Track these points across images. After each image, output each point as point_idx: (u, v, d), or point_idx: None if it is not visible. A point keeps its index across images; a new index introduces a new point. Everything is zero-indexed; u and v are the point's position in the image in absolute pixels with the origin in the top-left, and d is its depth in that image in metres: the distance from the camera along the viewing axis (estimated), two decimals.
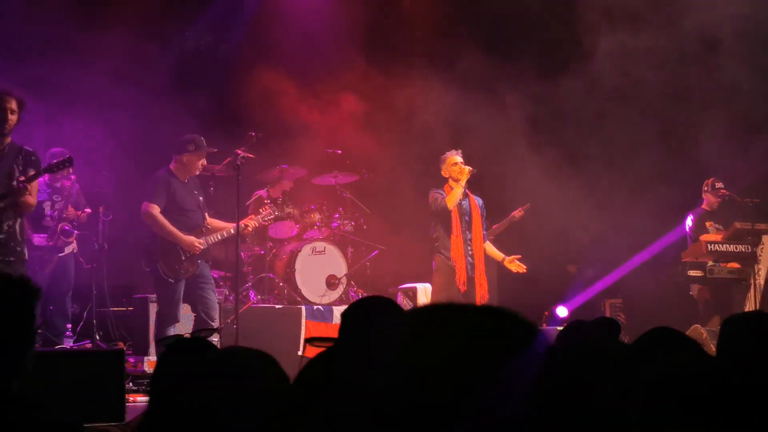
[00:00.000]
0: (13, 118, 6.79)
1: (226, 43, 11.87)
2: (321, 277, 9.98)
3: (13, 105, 6.77)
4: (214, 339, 8.59)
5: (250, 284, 10.03)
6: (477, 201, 9.08)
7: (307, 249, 10.01)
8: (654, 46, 10.65)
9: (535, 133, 11.08)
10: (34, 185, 6.93)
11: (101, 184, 9.63)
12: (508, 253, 9.24)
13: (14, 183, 6.71)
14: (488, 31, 11.72)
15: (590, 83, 10.62)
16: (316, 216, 10.53)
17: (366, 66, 11.56)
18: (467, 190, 8.96)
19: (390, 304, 3.66)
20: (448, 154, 8.94)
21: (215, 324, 8.08)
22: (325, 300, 9.91)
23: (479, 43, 11.40)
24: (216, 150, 8.54)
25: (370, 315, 3.52)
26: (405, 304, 10.31)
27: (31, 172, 6.85)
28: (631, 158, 10.98)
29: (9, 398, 2.59)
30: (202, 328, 7.36)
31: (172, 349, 3.53)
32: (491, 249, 9.21)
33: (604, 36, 10.62)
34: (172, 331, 7.87)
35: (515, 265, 9.06)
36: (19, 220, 6.87)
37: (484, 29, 11.76)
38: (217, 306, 8.23)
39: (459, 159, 8.88)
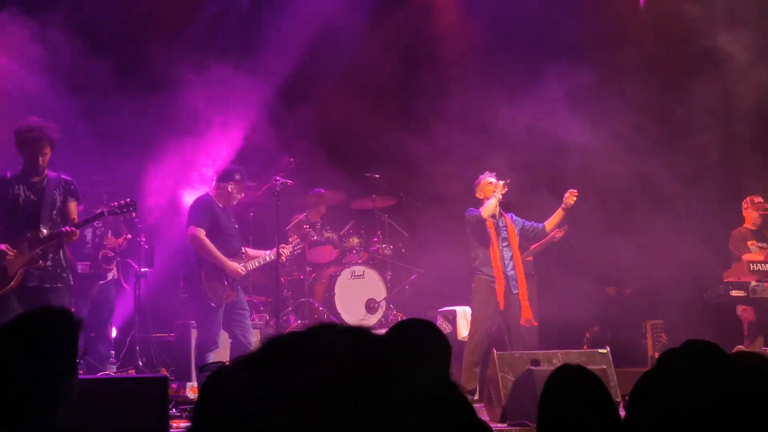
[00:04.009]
0: (46, 157, 7.01)
1: (262, 71, 11.97)
2: (360, 301, 10.01)
3: (46, 149, 6.99)
4: None
5: (290, 309, 10.08)
6: (511, 218, 9.10)
7: (346, 273, 10.05)
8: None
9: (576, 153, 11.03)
10: (76, 216, 7.09)
11: (140, 213, 9.72)
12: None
13: (64, 228, 6.89)
14: (524, 49, 11.75)
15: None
16: (355, 240, 10.58)
17: (403, 90, 11.63)
18: (502, 211, 8.97)
19: (430, 328, 3.64)
20: (481, 177, 9.05)
21: (252, 349, 8.11)
22: (365, 324, 9.92)
23: (518, 62, 11.45)
24: (254, 184, 8.64)
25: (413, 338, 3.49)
26: (444, 327, 10.28)
27: (72, 201, 7.04)
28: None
29: (55, 428, 2.63)
30: (243, 355, 7.39)
31: (216, 375, 3.55)
32: (551, 221, 9.26)
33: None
34: (212, 356, 7.92)
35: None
36: (62, 248, 7.04)
37: (520, 48, 11.80)
38: (252, 331, 8.28)
39: (492, 179, 8.94)
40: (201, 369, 7.38)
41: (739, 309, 9.70)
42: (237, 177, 8.24)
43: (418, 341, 3.46)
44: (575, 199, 9.31)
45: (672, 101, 11.00)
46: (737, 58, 10.20)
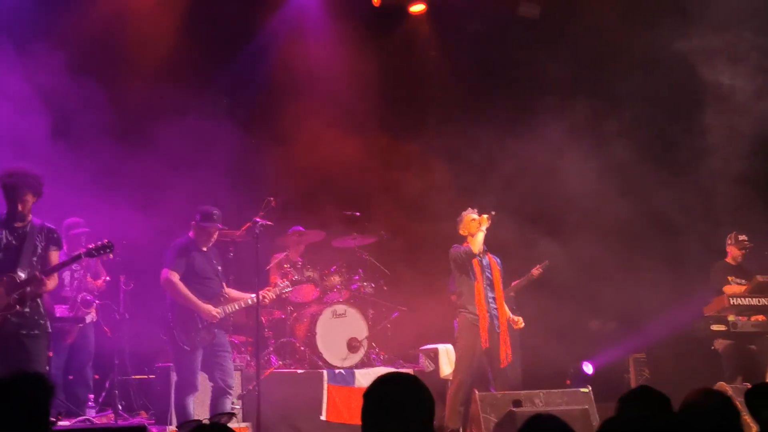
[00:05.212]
0: (27, 204, 6.94)
1: (242, 106, 11.98)
2: (342, 340, 9.95)
3: (27, 196, 6.93)
4: (236, 406, 8.59)
5: (271, 349, 10.02)
6: (495, 259, 9.09)
7: (327, 312, 10.00)
8: None
9: (545, 192, 11.09)
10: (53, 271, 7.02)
11: (120, 253, 9.65)
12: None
13: (36, 273, 6.82)
14: (511, 85, 11.84)
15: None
16: (336, 279, 10.54)
17: (381, 128, 11.68)
18: (486, 249, 8.96)
19: (412, 383, 3.53)
20: (464, 213, 9.04)
21: (232, 392, 8.06)
22: (347, 363, 9.88)
23: (504, 99, 11.54)
24: (225, 228, 8.62)
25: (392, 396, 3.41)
26: (426, 365, 10.26)
27: (54, 250, 6.99)
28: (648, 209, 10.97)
29: None
30: (221, 413, 7.33)
31: None
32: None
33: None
34: (192, 400, 7.85)
35: (517, 325, 9.00)
36: (40, 294, 6.96)
37: (506, 84, 11.90)
38: (233, 374, 8.21)
39: (475, 215, 8.94)
40: (179, 427, 7.32)
41: (718, 343, 9.71)
42: (206, 218, 8.22)
43: (401, 398, 3.39)
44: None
45: (660, 140, 11.09)
46: (735, 93, 10.27)
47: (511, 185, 11.00)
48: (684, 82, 10.88)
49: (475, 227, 8.89)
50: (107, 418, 9.30)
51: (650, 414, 3.09)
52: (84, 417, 8.99)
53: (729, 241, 10.05)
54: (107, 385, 9.79)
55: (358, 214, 10.86)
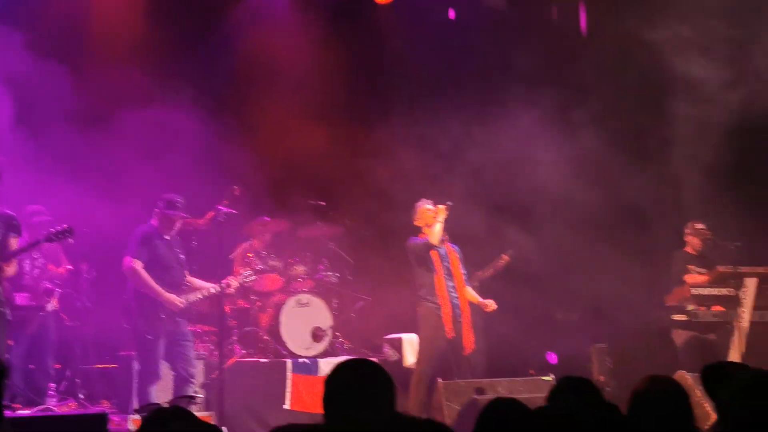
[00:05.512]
0: None
1: (207, 94, 11.89)
2: (306, 330, 9.95)
3: None
4: (200, 395, 8.55)
5: (235, 338, 9.98)
6: (453, 247, 9.11)
7: (291, 302, 9.98)
8: None
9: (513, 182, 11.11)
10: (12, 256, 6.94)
11: (82, 241, 9.55)
12: (494, 299, 9.21)
13: None
14: (479, 83, 11.86)
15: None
16: (301, 268, 10.51)
17: (346, 116, 11.64)
18: (443, 239, 8.97)
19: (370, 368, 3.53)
20: (418, 204, 9.02)
21: (194, 381, 8.04)
22: (311, 352, 9.87)
23: (469, 88, 11.55)
24: (189, 217, 8.57)
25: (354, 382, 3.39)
26: (390, 354, 10.27)
27: (13, 236, 6.91)
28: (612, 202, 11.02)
29: None
30: (181, 396, 7.31)
31: (150, 419, 3.50)
32: (470, 293, 9.18)
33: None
34: (154, 389, 7.81)
35: (489, 307, 9.04)
36: None
37: (473, 80, 11.92)
38: (196, 363, 8.18)
39: (430, 206, 8.93)
40: (137, 411, 7.29)
41: (674, 334, 9.78)
42: (169, 206, 8.16)
43: (360, 383, 3.37)
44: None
45: (629, 129, 11.13)
46: (704, 83, 10.32)
47: (480, 174, 11.00)
48: (654, 71, 10.93)
49: (431, 218, 8.87)
50: (68, 407, 9.21)
51: (581, 404, 3.12)
52: (44, 406, 8.90)
53: (687, 231, 10.11)
54: (69, 374, 9.70)
55: (323, 203, 10.83)
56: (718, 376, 3.12)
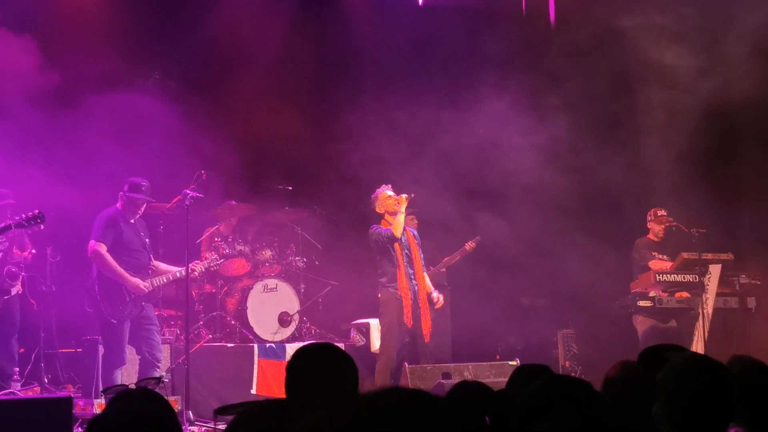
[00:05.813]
0: None
1: (176, 78, 11.80)
2: (273, 315, 9.93)
3: None
4: (166, 379, 8.52)
5: (201, 323, 9.94)
6: (413, 233, 9.11)
7: (258, 286, 9.96)
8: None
9: (483, 167, 11.12)
10: None
11: (47, 225, 9.48)
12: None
13: None
14: (444, 69, 11.85)
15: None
16: (268, 253, 10.49)
17: (315, 101, 11.61)
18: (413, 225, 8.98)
19: (332, 351, 3.54)
20: (378, 191, 8.98)
21: (160, 365, 8.01)
22: (278, 337, 9.86)
23: (435, 77, 11.54)
24: (155, 201, 8.53)
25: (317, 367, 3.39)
26: (358, 339, 10.28)
27: None
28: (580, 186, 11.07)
29: None
30: (147, 377, 7.27)
31: (116, 401, 3.47)
32: (426, 283, 9.17)
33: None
34: (119, 373, 7.78)
35: (438, 304, 9.03)
36: None
37: (444, 66, 11.91)
38: (161, 347, 8.15)
39: (390, 192, 8.91)
40: (103, 391, 7.25)
41: (636, 320, 9.85)
42: (141, 189, 8.11)
43: (322, 366, 3.38)
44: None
45: (601, 116, 11.17)
46: (677, 71, 10.35)
47: (451, 159, 11.02)
48: (626, 58, 10.97)
49: (392, 205, 8.84)
50: (33, 392, 9.15)
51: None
52: (9, 390, 8.83)
53: (649, 218, 10.19)
54: (33, 358, 9.62)
55: (290, 188, 10.79)
56: (655, 359, 3.16)
